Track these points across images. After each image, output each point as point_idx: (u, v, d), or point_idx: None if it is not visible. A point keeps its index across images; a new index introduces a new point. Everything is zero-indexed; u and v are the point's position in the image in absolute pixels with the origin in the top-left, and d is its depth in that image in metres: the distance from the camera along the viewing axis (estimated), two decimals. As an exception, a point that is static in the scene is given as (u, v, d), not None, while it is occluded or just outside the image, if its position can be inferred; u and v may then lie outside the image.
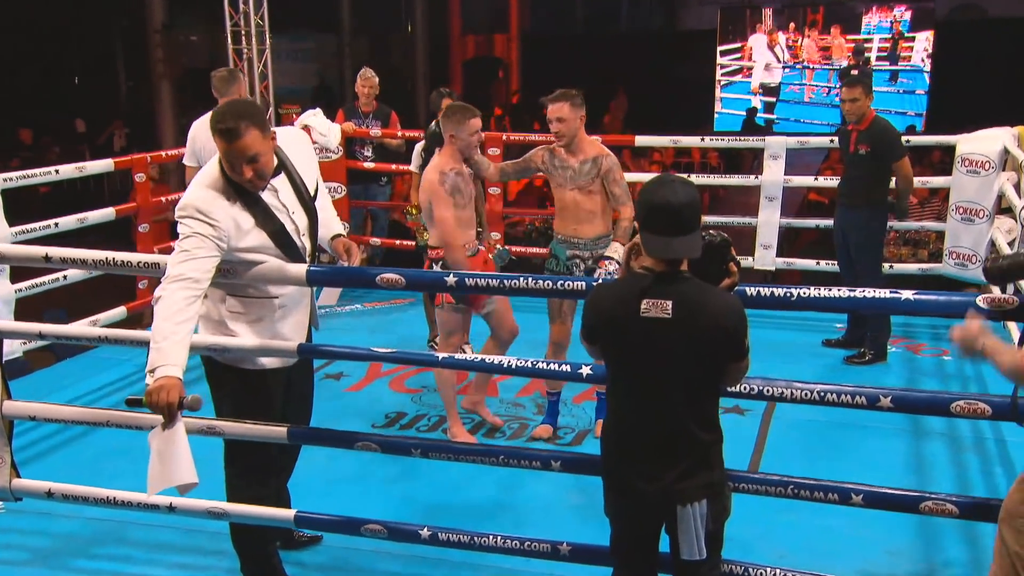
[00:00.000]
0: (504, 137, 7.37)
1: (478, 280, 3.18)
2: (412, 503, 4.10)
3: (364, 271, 3.34)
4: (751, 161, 13.51)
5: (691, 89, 17.67)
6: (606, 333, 2.70)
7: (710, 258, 2.68)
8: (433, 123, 5.58)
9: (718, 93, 17.95)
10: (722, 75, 17.96)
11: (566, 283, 3.13)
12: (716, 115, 17.81)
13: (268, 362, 3.33)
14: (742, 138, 7.81)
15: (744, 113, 17.06)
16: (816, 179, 6.60)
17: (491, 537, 3.28)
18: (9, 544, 3.90)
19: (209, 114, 3.42)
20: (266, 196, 3.19)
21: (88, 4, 17.77)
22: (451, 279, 3.20)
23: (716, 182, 8.62)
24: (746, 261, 6.84)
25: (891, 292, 2.84)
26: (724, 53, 17.89)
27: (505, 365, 3.30)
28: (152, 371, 2.87)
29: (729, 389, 2.90)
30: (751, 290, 2.94)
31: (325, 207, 3.50)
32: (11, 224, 5.23)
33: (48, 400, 4.55)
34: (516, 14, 19.07)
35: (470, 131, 4.54)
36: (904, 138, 5.94)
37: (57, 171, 5.49)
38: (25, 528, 3.99)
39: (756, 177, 6.75)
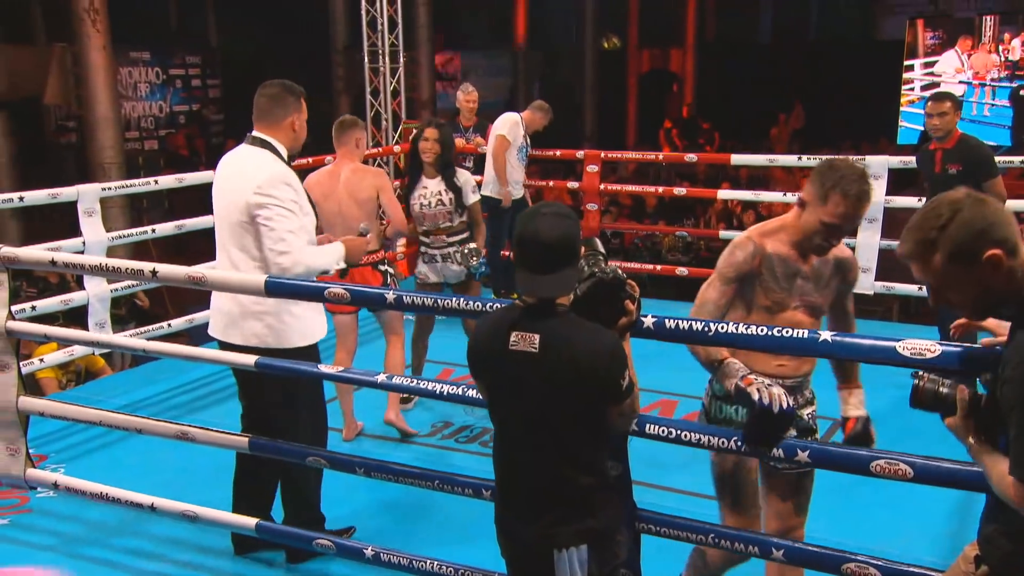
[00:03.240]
0: (603, 155, 7.12)
1: (415, 298, 3.06)
2: (397, 509, 4.06)
3: (315, 285, 3.26)
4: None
5: (876, 101, 16.56)
6: (482, 367, 2.49)
7: (603, 296, 2.43)
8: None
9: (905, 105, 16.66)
10: (907, 88, 16.66)
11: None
12: (899, 128, 16.54)
13: (319, 331, 3.59)
14: (842, 157, 7.14)
15: (921, 128, 15.75)
16: (920, 200, 5.94)
17: (428, 562, 3.16)
18: (42, 528, 4.07)
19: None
20: None
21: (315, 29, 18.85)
22: (391, 295, 3.10)
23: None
24: (843, 284, 6.31)
25: (810, 334, 2.48)
26: (912, 66, 16.55)
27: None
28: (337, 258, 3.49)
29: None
30: (670, 322, 2.64)
31: None
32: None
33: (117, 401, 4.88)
34: (693, 27, 18.56)
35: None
36: (1009, 158, 5.32)
37: (156, 181, 5.75)
38: (63, 513, 4.14)
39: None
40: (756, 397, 2.43)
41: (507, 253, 6.88)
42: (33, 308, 5.13)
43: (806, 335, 2.47)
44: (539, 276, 2.32)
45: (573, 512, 2.41)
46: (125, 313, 7.57)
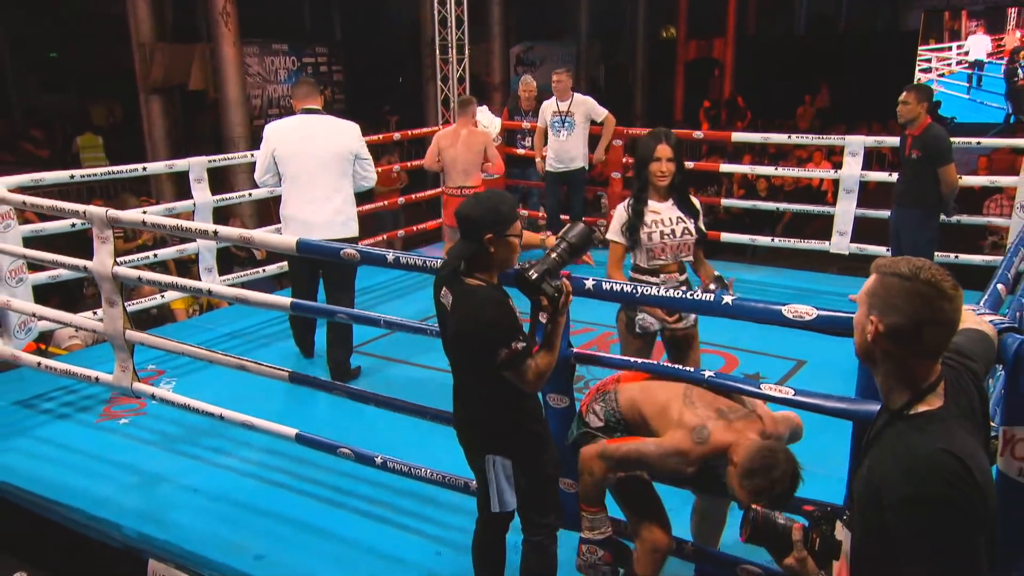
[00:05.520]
0: (625, 131, 6.92)
1: (409, 259, 3.04)
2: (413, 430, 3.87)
3: (332, 246, 3.28)
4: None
5: (893, 84, 15.68)
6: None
7: (523, 288, 2.36)
8: None
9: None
10: (921, 72, 15.86)
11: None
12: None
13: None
14: (824, 136, 6.82)
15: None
16: (890, 175, 5.65)
17: (424, 470, 3.21)
18: (152, 427, 4.28)
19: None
20: None
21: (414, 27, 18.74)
22: (390, 256, 3.08)
23: (799, 174, 7.61)
24: (823, 245, 6.10)
25: (714, 297, 2.40)
26: (931, 51, 15.76)
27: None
28: None
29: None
30: (608, 284, 2.60)
31: None
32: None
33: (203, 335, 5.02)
34: (734, 20, 17.91)
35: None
36: (976, 140, 5.00)
37: (252, 155, 5.80)
38: (168, 416, 4.29)
39: (835, 171, 5.94)
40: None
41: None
42: (155, 256, 5.32)
43: (712, 298, 2.40)
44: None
45: (487, 440, 2.46)
46: (245, 257, 7.79)
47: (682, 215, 3.38)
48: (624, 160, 6.90)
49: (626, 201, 3.42)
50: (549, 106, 6.66)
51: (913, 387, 1.58)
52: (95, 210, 3.71)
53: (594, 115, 6.55)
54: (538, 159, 6.88)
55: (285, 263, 5.90)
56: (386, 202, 7.54)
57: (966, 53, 15.63)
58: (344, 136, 4.47)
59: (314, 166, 4.39)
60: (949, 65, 15.68)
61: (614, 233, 3.40)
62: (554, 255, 2.35)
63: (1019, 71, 14.88)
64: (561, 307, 2.33)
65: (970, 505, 1.47)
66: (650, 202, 3.37)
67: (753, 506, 1.80)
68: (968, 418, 1.60)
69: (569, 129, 6.51)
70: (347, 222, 4.52)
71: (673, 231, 3.36)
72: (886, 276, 1.58)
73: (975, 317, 1.91)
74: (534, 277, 2.29)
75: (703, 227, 3.47)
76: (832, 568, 1.73)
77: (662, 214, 3.37)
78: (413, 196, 7.66)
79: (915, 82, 15.73)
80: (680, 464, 2.29)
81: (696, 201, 3.47)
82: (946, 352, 1.63)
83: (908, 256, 1.62)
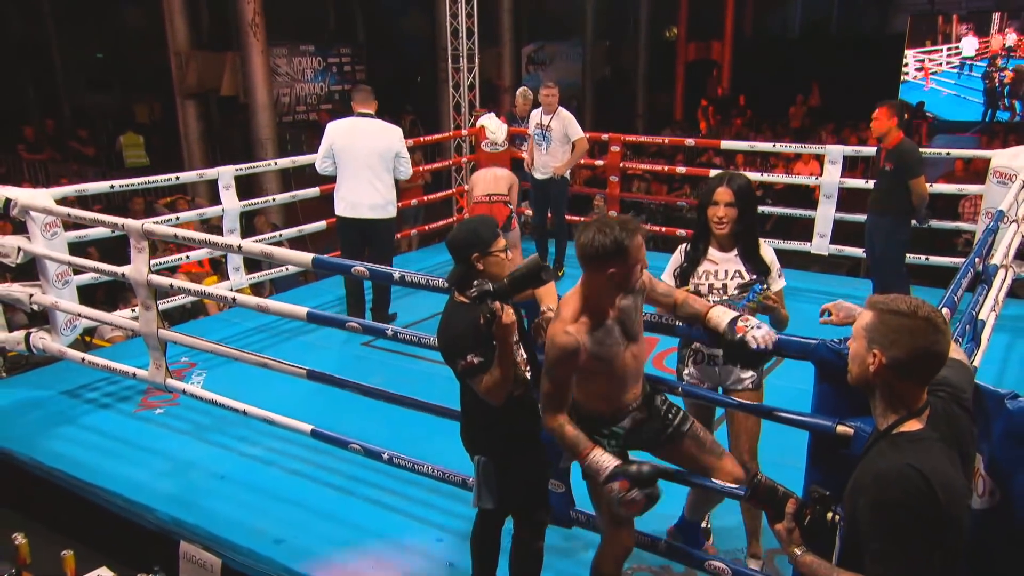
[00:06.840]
0: (622, 138, 6.92)
1: (414, 277, 3.09)
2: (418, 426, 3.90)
3: (345, 262, 3.35)
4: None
5: (880, 85, 15.51)
6: None
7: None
8: None
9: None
10: (915, 71, 15.72)
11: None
12: (897, 107, 15.59)
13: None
14: (806, 145, 6.79)
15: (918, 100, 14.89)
16: (866, 182, 5.65)
17: (425, 466, 3.29)
18: (184, 417, 4.36)
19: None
20: None
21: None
22: (396, 274, 3.14)
23: (783, 179, 7.56)
24: (804, 246, 6.11)
25: (683, 318, 2.45)
26: (923, 53, 15.66)
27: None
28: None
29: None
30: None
31: None
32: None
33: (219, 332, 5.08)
34: (731, 23, 17.73)
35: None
36: (945, 151, 4.98)
37: (276, 163, 5.89)
38: (199, 407, 4.33)
39: (816, 177, 5.92)
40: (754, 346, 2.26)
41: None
42: (187, 257, 5.40)
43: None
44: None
45: (473, 442, 2.55)
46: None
47: (742, 270, 2.79)
48: (621, 165, 6.92)
49: (685, 244, 2.93)
50: (534, 117, 6.47)
51: (903, 410, 1.66)
52: (132, 223, 3.79)
53: (570, 133, 6.25)
54: (527, 162, 6.67)
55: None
56: (411, 201, 7.64)
57: (958, 53, 15.57)
58: (388, 139, 5.19)
59: (361, 160, 5.09)
60: (940, 65, 15.65)
61: (666, 275, 2.91)
62: (501, 282, 2.24)
63: (994, 74, 14.83)
64: (494, 330, 2.19)
65: (925, 517, 1.54)
66: (711, 250, 2.83)
67: (758, 474, 1.89)
68: (950, 443, 1.67)
69: (547, 143, 6.36)
70: (386, 206, 5.23)
71: (725, 286, 2.79)
72: (884, 313, 1.65)
73: (952, 345, 1.97)
74: (472, 295, 2.23)
75: (772, 285, 2.80)
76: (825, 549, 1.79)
77: (719, 265, 2.81)
78: (425, 198, 7.71)
79: (901, 81, 15.63)
80: (562, 348, 2.22)
81: (769, 255, 2.85)
82: (938, 386, 1.72)
83: (899, 295, 1.68)
